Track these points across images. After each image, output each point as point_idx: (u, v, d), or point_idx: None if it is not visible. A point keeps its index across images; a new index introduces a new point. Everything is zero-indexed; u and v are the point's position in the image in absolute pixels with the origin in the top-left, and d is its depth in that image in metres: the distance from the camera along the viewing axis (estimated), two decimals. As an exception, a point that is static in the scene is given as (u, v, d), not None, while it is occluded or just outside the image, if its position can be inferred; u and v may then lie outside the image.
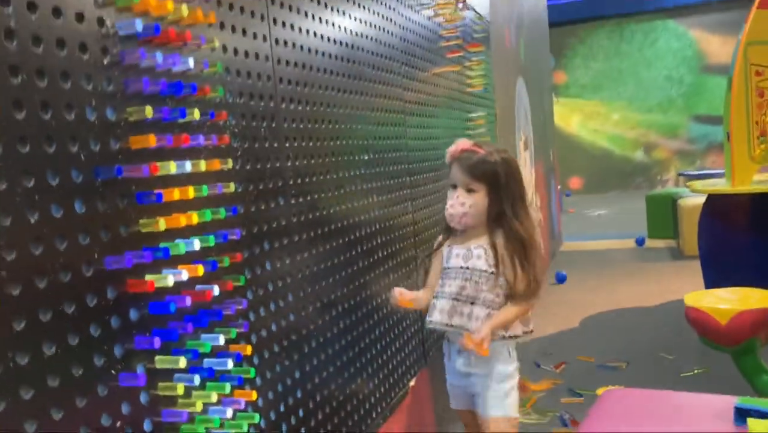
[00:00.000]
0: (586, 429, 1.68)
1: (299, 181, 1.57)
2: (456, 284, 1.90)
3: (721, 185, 3.84)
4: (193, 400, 1.12)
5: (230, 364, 1.18)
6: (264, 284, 1.40)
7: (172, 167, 1.07)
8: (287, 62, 1.56)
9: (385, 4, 2.25)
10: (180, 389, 1.08)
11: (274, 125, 1.47)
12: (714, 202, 3.88)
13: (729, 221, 3.81)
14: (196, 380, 1.11)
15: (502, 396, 1.96)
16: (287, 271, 1.50)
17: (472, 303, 1.88)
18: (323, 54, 1.76)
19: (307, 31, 1.67)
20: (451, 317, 1.89)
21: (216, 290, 1.17)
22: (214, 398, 1.13)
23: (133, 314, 1.03)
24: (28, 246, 0.85)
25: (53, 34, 0.91)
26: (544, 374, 3.50)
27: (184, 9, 1.12)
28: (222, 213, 1.22)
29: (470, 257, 1.90)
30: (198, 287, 1.15)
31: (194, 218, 1.12)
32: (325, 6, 1.79)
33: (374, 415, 1.98)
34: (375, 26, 2.15)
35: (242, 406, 1.22)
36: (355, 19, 1.99)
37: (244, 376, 1.27)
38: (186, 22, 1.16)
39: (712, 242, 3.87)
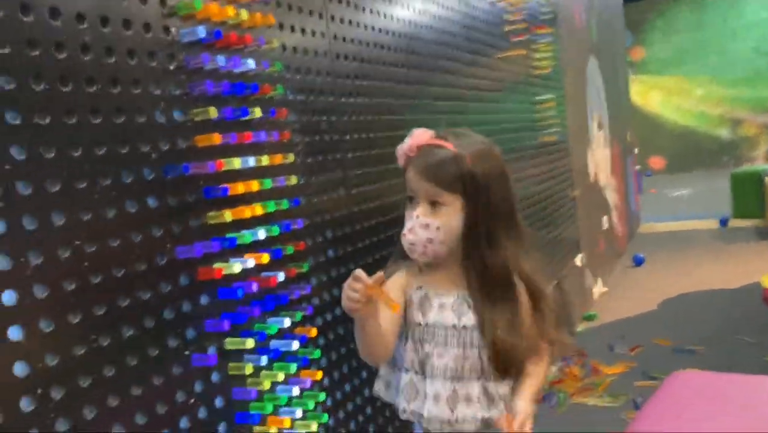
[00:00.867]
0: (649, 410, 1.67)
1: (359, 172, 1.63)
2: (451, 354, 1.25)
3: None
4: (261, 379, 1.20)
5: (296, 345, 1.26)
6: (327, 270, 1.47)
7: (236, 163, 1.15)
8: (345, 57, 1.61)
9: (445, -7, 2.27)
10: (249, 368, 1.16)
11: (333, 119, 1.53)
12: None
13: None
14: (264, 360, 1.19)
15: None
16: (349, 258, 1.56)
17: (478, 379, 1.26)
18: (381, 47, 1.80)
19: (365, 26, 1.72)
20: (454, 408, 1.24)
21: (281, 276, 1.24)
22: (281, 377, 1.22)
23: (204, 300, 1.12)
24: (107, 239, 0.94)
25: (124, 44, 0.99)
26: (618, 357, 3.46)
27: (244, 13, 1.19)
28: (285, 204, 1.29)
29: (465, 309, 1.27)
30: (264, 273, 1.23)
31: (259, 209, 1.19)
32: (383, -1, 1.83)
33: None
34: (435, 15, 2.18)
35: (308, 385, 1.30)
36: (414, 10, 2.02)
37: (310, 357, 1.34)
38: (246, 25, 1.23)
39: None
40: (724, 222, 7.09)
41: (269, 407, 1.19)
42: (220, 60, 1.15)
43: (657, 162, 14.02)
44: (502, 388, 1.27)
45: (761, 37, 13.38)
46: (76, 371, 0.88)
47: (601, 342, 3.71)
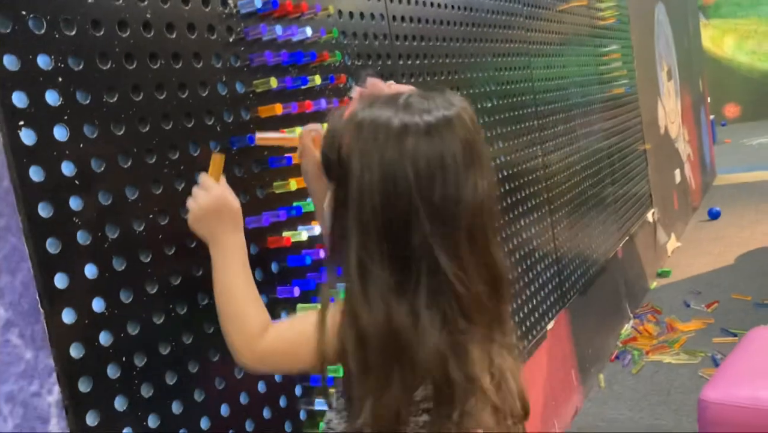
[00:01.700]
0: (728, 367, 1.63)
1: (421, 134, 1.61)
2: None
3: None
4: (333, 343, 1.22)
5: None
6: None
7: (298, 132, 1.15)
8: (402, 18, 1.59)
9: (502, -54, 2.21)
10: (320, 333, 1.18)
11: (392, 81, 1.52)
12: None
13: None
14: (334, 325, 1.21)
15: None
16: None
17: None
18: (438, 5, 1.77)
19: (421, -15, 1.70)
20: None
21: (347, 243, 1.25)
22: (352, 341, 1.23)
23: (274, 267, 1.14)
24: (178, 211, 0.97)
25: (184, 20, 1.01)
26: (694, 313, 3.37)
27: (299, -20, 1.19)
28: (348, 170, 1.29)
29: None
30: (330, 240, 1.24)
31: (322, 177, 1.20)
32: (438, -43, 1.79)
33: (512, 357, 2.03)
34: (492, -30, 2.12)
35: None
36: (471, -34, 1.97)
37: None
38: (301, -8, 1.23)
39: None
40: (806, 170, 6.74)
41: (341, 371, 1.21)
42: (278, 29, 1.15)
43: (731, 110, 13.41)
44: None
45: None
46: (157, 339, 0.92)
47: (676, 299, 3.61)
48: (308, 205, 1.17)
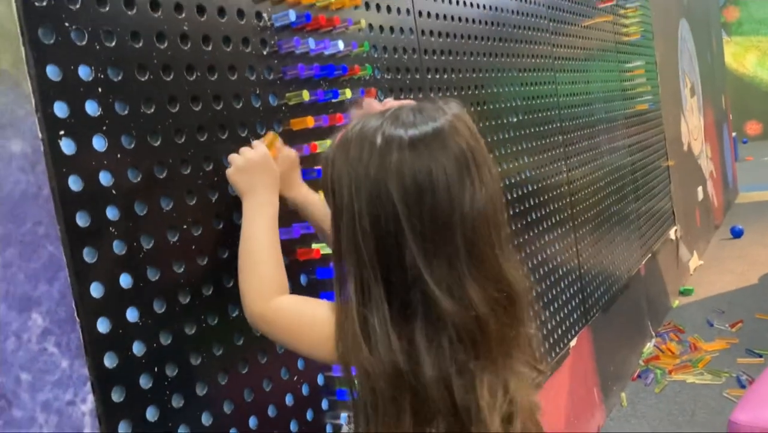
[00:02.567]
0: (759, 387, 1.60)
1: (449, 148, 1.61)
2: None
3: None
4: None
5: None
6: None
7: (329, 145, 1.15)
8: (431, 33, 1.60)
9: (529, -38, 2.21)
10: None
11: (420, 96, 1.52)
12: None
13: None
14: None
15: None
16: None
17: None
18: (466, 20, 1.77)
19: (450, 0, 1.70)
20: None
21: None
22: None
23: (303, 279, 1.14)
24: (211, 222, 0.97)
25: (220, 32, 1.01)
26: (717, 333, 3.32)
27: (332, -6, 1.20)
28: (376, 184, 1.29)
29: None
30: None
31: (351, 189, 1.20)
32: (467, -28, 1.80)
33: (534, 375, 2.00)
34: (519, -15, 2.12)
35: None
36: (498, -19, 1.98)
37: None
38: (334, 6, 1.23)
39: None
40: (831, 189, 6.65)
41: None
42: (311, 43, 1.16)
43: (753, 127, 13.28)
44: None
45: None
46: (188, 350, 0.92)
47: (699, 318, 3.57)
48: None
